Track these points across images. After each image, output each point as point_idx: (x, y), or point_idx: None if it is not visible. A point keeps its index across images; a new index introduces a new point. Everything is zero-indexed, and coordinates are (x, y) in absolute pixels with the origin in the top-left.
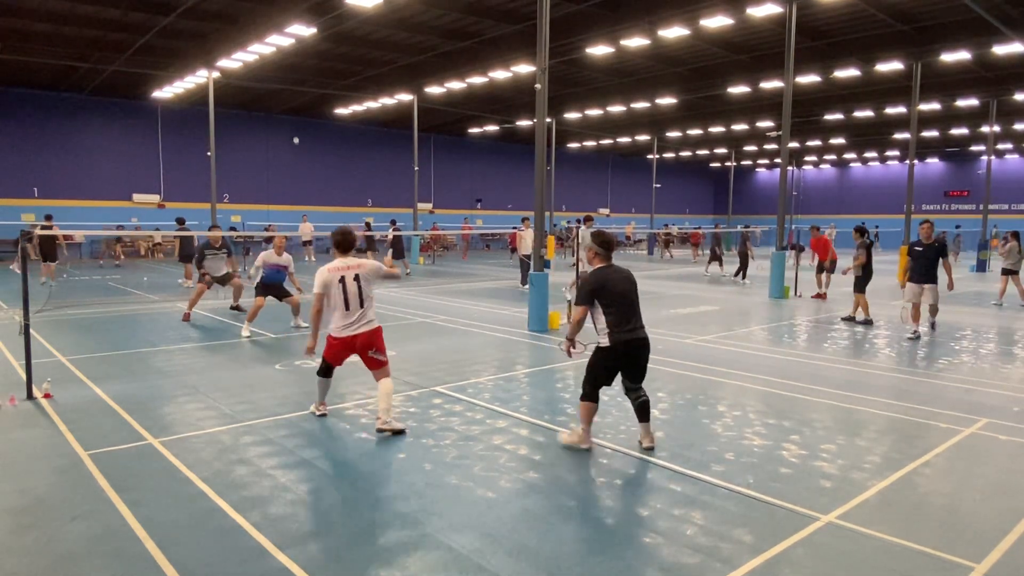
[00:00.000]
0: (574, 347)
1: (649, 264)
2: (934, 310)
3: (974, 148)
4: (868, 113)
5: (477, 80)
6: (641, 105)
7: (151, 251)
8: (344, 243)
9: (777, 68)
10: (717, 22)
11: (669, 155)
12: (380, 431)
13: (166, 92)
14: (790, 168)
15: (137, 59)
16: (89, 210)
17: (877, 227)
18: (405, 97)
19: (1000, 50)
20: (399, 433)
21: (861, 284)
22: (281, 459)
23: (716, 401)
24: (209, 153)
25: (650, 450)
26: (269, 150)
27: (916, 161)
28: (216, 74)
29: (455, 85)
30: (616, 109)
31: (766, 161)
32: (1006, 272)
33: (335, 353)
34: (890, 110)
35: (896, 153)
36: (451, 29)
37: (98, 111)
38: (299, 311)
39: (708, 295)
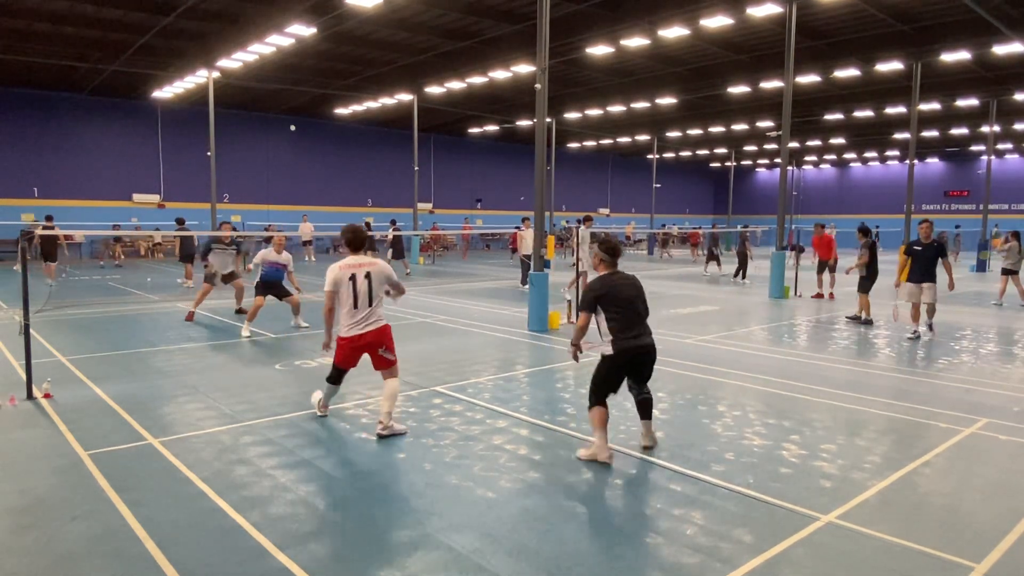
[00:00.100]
0: (580, 351)
1: (649, 264)
2: (931, 310)
3: (974, 148)
4: (868, 113)
5: (477, 80)
6: (641, 105)
7: (151, 251)
8: (355, 241)
9: (777, 68)
10: (717, 22)
11: (669, 155)
12: (380, 436)
13: (166, 92)
14: (790, 168)
15: (137, 59)
16: (89, 210)
17: (877, 227)
18: (405, 97)
19: (1000, 50)
20: (399, 434)
21: (865, 284)
22: (281, 459)
23: (716, 401)
24: (209, 153)
25: (649, 449)
26: (269, 150)
27: (916, 161)
28: (216, 74)
29: (455, 85)
30: (616, 109)
31: (766, 161)
32: (1006, 272)
33: (345, 355)
34: (890, 110)
35: (896, 153)
36: (451, 29)
37: (98, 111)
38: (299, 310)
39: (708, 295)
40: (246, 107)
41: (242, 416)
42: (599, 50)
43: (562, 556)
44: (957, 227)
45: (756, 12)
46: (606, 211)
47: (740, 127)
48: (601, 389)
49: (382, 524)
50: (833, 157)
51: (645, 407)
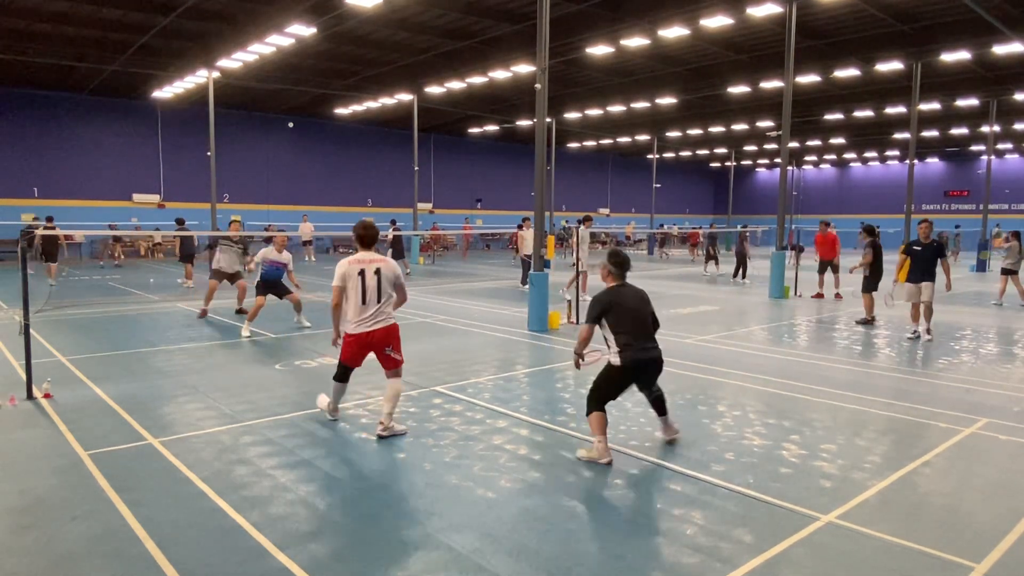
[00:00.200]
0: (583, 360)
1: (649, 264)
2: (929, 312)
3: (974, 148)
4: (868, 113)
5: (477, 80)
6: (641, 105)
7: (151, 251)
8: (367, 237)
9: (777, 68)
10: (717, 22)
11: (669, 155)
12: (380, 437)
13: (166, 92)
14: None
15: (137, 59)
16: (89, 210)
17: (878, 227)
18: (405, 97)
19: (1000, 50)
20: (399, 434)
21: (868, 284)
22: (281, 459)
23: (716, 401)
24: (209, 153)
25: (672, 443)
26: (269, 150)
27: (916, 161)
28: (216, 74)
29: (455, 85)
30: (616, 109)
31: (766, 161)
32: (1006, 272)
33: (352, 353)
34: (890, 110)
35: (896, 153)
36: (451, 29)
37: (98, 111)
38: (301, 309)
39: (708, 295)
40: (246, 107)
41: (242, 416)
42: (599, 50)
43: (562, 556)
44: (957, 227)
45: (756, 12)
46: (606, 211)
47: (740, 127)
48: (600, 396)
49: (382, 524)
50: (833, 157)
51: (659, 404)
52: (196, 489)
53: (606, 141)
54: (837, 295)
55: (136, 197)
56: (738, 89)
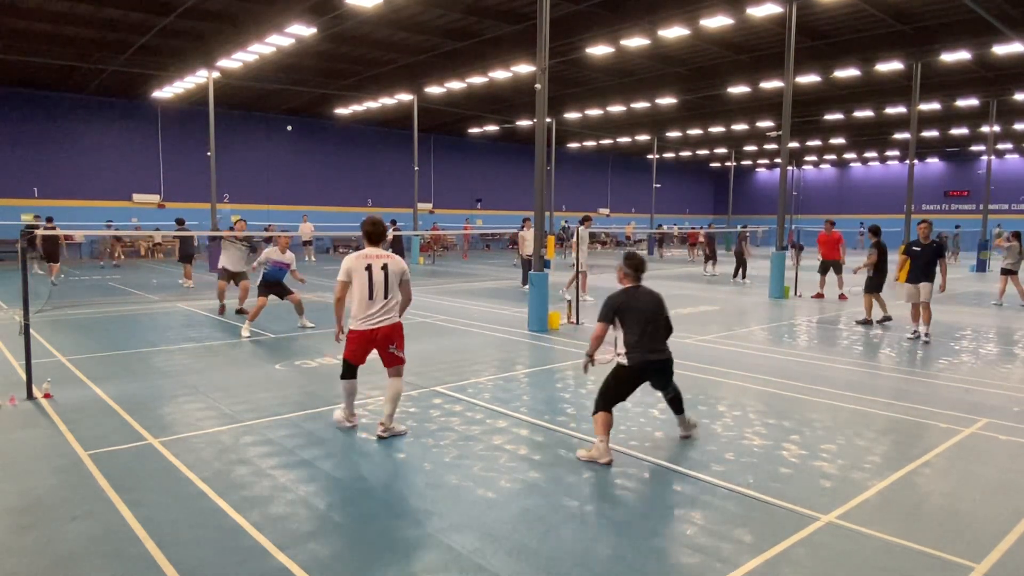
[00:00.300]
0: (592, 363)
1: (649, 264)
2: (928, 315)
3: (974, 148)
4: (868, 113)
5: (477, 80)
6: (641, 105)
7: (151, 251)
8: (375, 233)
9: (777, 68)
10: (717, 22)
11: (669, 155)
12: (381, 438)
13: (166, 92)
14: (790, 168)
15: (137, 59)
16: (89, 210)
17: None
18: (405, 97)
19: (1000, 50)
20: (400, 434)
21: (871, 284)
22: (281, 459)
23: (716, 401)
24: (209, 153)
25: (688, 438)
26: (269, 150)
27: (916, 161)
28: (216, 74)
29: (455, 85)
30: (616, 109)
31: (766, 161)
32: (1005, 272)
33: (355, 349)
34: (890, 110)
35: (896, 153)
36: (451, 29)
37: (98, 111)
38: (303, 311)
39: (708, 295)
40: (246, 107)
41: (242, 416)
42: (599, 50)
43: (562, 556)
44: (957, 227)
45: (756, 12)
46: (606, 211)
47: (740, 127)
48: (609, 397)
49: (382, 524)
50: (833, 157)
51: (676, 403)
52: (196, 489)
53: (606, 141)
54: (841, 296)
55: (136, 197)
56: (738, 89)
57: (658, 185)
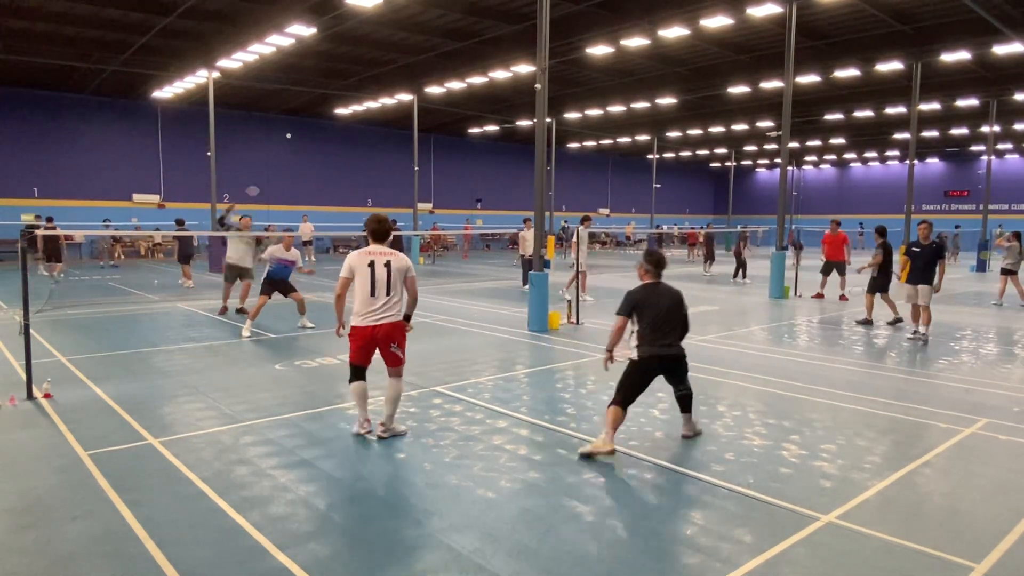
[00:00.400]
0: (612, 360)
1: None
2: (927, 317)
3: (974, 148)
4: (868, 113)
5: (477, 80)
6: (641, 105)
7: (151, 251)
8: (379, 231)
9: (777, 68)
10: (717, 22)
11: (669, 155)
12: (381, 438)
13: (166, 92)
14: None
15: (137, 59)
16: (89, 210)
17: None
18: (405, 97)
19: (1000, 50)
20: (400, 434)
21: (874, 285)
22: (281, 459)
23: (716, 401)
24: (209, 153)
25: (689, 439)
26: (269, 150)
27: (916, 161)
28: (216, 74)
29: (455, 85)
30: (616, 109)
31: (766, 161)
32: (1005, 272)
33: (358, 349)
34: (890, 110)
35: (896, 153)
36: (451, 29)
37: (98, 111)
38: (305, 311)
39: (708, 295)
40: (246, 107)
41: (242, 416)
42: (599, 50)
43: (562, 556)
44: (957, 227)
45: (756, 12)
46: (606, 211)
47: (740, 127)
48: (624, 391)
49: (382, 524)
50: (833, 157)
51: (684, 401)
52: (196, 489)
53: (606, 141)
54: (842, 296)
55: (136, 197)
56: (738, 89)
57: (658, 185)
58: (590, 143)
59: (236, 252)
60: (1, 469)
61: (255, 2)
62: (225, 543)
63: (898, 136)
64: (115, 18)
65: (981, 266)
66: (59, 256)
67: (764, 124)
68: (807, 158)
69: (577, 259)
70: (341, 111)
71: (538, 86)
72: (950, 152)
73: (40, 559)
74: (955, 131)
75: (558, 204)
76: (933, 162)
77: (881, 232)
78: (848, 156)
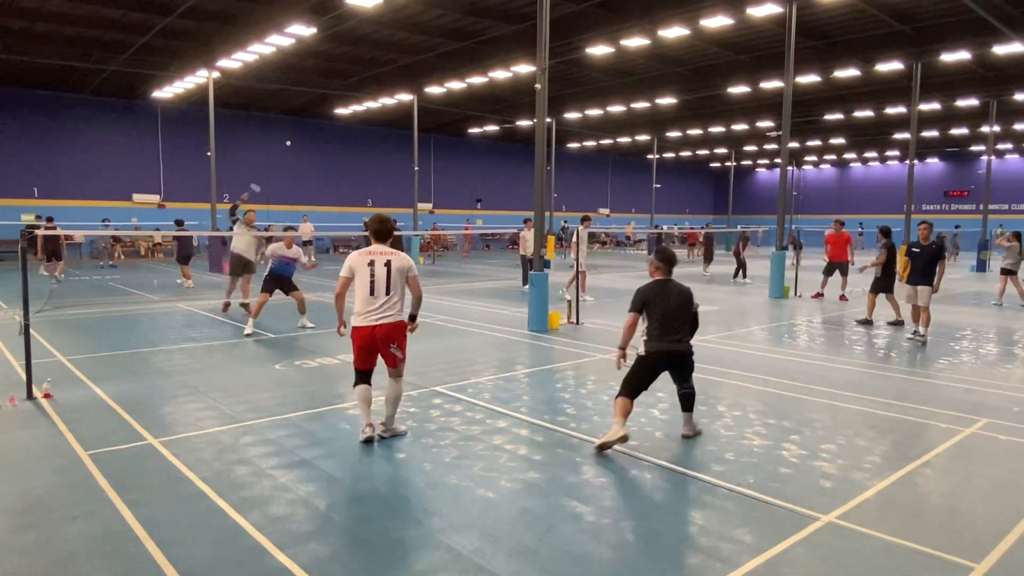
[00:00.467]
0: (625, 358)
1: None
2: (927, 316)
3: (974, 148)
4: (868, 113)
5: (477, 80)
6: (641, 105)
7: (151, 251)
8: (381, 230)
9: (777, 68)
10: (717, 22)
11: (669, 155)
12: (381, 438)
13: (166, 92)
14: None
15: (137, 59)
16: (89, 210)
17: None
18: (405, 97)
19: (1000, 50)
20: (400, 434)
21: (878, 285)
22: (281, 459)
23: (716, 401)
24: (209, 153)
25: (689, 438)
26: (269, 150)
27: (916, 161)
28: (216, 74)
29: (455, 85)
30: (616, 109)
31: (766, 161)
32: (1005, 272)
33: (359, 349)
34: (890, 110)
35: (896, 153)
36: (451, 29)
37: (98, 111)
38: (305, 310)
39: (708, 295)
40: (246, 107)
41: (242, 416)
42: (599, 50)
43: (562, 556)
44: (957, 227)
45: (756, 12)
46: (606, 211)
47: (740, 127)
48: (629, 384)
49: (382, 524)
50: (833, 157)
51: (686, 400)
52: (196, 489)
53: (606, 141)
54: (842, 296)
55: (136, 197)
56: (738, 89)
57: (658, 185)
58: (590, 143)
59: (242, 243)
60: (1, 469)
61: (255, 2)
62: (225, 543)
63: (898, 136)
64: (115, 18)
65: (981, 266)
66: (60, 256)
67: (764, 124)
68: (807, 158)
69: (577, 259)
70: (341, 111)
71: (538, 86)
72: (950, 152)
73: (40, 559)
74: (955, 131)
75: (558, 204)
76: (933, 162)
77: (885, 232)
78: (848, 156)
